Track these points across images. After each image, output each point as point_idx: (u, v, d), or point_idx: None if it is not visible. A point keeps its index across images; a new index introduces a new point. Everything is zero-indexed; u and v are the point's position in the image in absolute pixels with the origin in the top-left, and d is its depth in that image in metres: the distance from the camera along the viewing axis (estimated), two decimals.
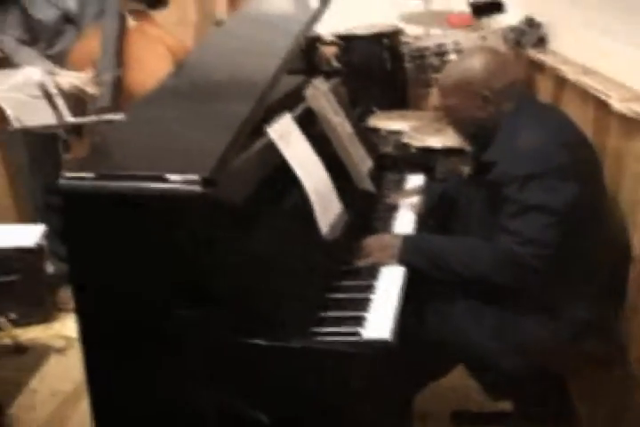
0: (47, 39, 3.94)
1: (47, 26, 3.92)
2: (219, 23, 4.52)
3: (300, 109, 2.65)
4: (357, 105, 4.00)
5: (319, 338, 1.88)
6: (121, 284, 1.78)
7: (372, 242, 2.46)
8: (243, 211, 1.91)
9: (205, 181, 1.68)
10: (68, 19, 3.93)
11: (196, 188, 1.68)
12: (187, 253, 1.69)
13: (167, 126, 2.09)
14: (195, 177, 1.68)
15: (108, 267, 1.78)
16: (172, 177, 1.69)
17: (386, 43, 4.71)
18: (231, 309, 1.74)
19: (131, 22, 3.74)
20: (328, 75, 3.31)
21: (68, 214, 1.82)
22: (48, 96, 3.33)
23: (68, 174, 1.79)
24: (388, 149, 3.95)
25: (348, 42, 4.78)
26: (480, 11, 4.32)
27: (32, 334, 3.75)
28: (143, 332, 1.80)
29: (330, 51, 4.85)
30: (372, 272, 2.32)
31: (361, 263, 2.37)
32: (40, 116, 3.38)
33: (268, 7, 3.34)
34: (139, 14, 3.78)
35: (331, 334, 1.90)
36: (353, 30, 4.79)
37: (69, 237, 1.83)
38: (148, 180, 1.71)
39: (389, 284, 2.25)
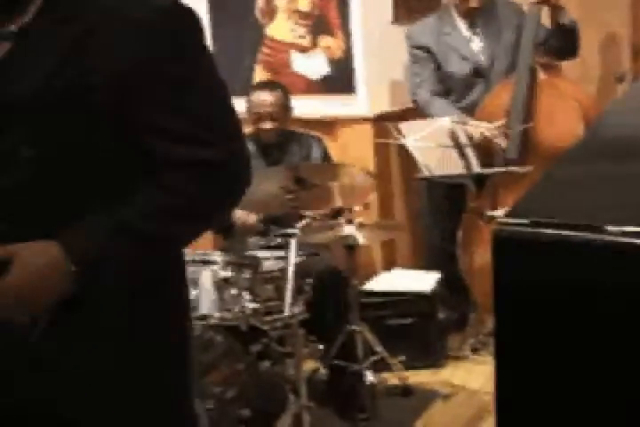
0: (458, 92, 4.06)
1: (459, 79, 4.04)
2: (621, 78, 4.41)
3: None
4: None
5: None
6: (540, 341, 1.70)
7: None
8: None
9: None
10: (478, 73, 4.03)
11: (638, 241, 1.60)
12: (622, 310, 1.61)
13: (595, 181, 2.03)
14: (637, 229, 1.61)
15: (536, 319, 1.72)
16: (611, 228, 1.63)
17: None
18: None
19: (541, 76, 3.75)
20: None
21: (497, 260, 1.80)
22: (458, 145, 3.41)
23: (502, 220, 1.79)
24: None
25: None
26: None
27: (419, 377, 3.81)
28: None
29: None
30: None
31: None
32: (449, 164, 3.46)
33: None
34: (549, 68, 3.78)
35: None
36: None
37: (497, 283, 1.81)
38: (584, 230, 1.66)
39: None
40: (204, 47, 1.54)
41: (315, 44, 4.37)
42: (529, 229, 1.78)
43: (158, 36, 1.45)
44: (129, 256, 1.50)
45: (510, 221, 1.81)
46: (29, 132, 1.47)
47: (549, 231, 1.74)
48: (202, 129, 1.50)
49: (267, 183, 3.14)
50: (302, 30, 4.37)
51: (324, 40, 4.36)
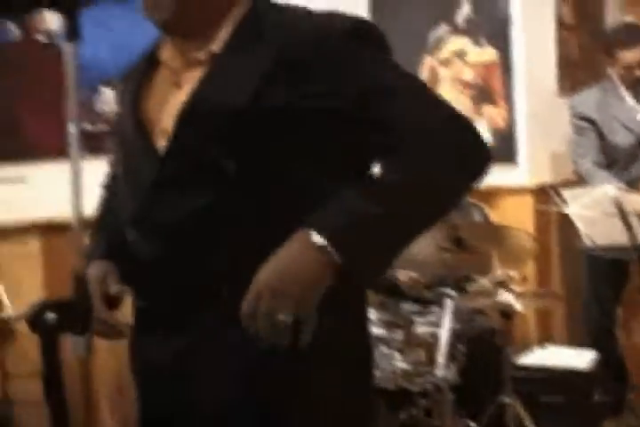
0: (623, 163, 3.98)
1: (623, 150, 3.97)
2: None
3: None
4: None
5: None
6: None
7: None
8: None
9: None
10: None
11: None
12: None
13: None
14: None
15: None
16: None
17: None
18: None
19: None
20: None
21: None
22: (623, 215, 3.29)
23: None
24: None
25: None
26: None
27: None
28: None
29: None
30: None
31: None
32: (612, 234, 3.34)
33: None
34: None
35: None
36: None
37: None
38: None
39: None
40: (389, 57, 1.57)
41: (478, 114, 4.37)
42: None
43: (356, 53, 1.50)
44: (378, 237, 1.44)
45: None
46: (231, 147, 1.48)
47: None
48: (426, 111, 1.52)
49: (424, 242, 3.08)
50: (465, 100, 4.37)
51: (487, 110, 4.35)
